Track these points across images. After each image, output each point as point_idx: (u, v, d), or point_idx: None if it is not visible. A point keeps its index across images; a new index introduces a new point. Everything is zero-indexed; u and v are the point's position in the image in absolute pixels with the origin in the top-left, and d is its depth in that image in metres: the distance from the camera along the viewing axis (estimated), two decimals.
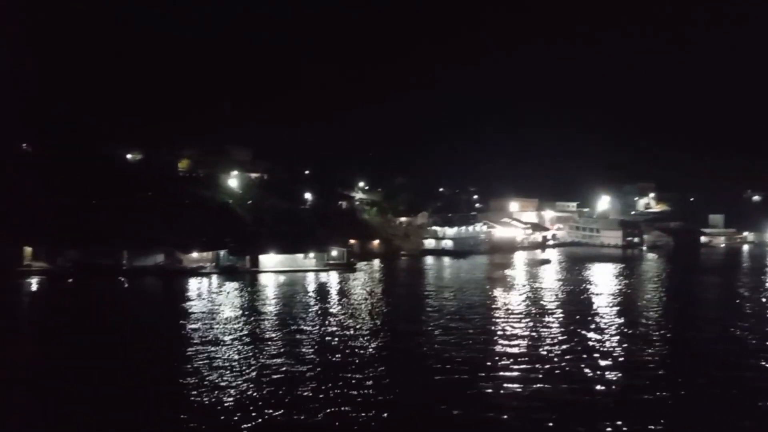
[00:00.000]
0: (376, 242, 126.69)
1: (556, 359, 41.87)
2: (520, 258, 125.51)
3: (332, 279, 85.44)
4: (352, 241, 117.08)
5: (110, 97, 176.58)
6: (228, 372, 37.63)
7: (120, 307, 63.58)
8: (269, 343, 45.52)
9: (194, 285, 77.13)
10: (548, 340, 47.26)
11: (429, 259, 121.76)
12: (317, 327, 51.71)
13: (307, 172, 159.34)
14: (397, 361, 41.36)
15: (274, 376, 36.79)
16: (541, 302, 66.24)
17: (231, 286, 75.34)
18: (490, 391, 35.05)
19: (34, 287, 74.96)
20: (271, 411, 31.23)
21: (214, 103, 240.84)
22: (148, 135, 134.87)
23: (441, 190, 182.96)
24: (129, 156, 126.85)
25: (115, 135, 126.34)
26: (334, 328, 51.04)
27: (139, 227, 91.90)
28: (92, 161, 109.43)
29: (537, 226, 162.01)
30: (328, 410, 31.40)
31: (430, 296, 71.17)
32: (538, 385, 36.10)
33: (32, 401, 32.38)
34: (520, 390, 35.36)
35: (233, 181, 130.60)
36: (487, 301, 66.93)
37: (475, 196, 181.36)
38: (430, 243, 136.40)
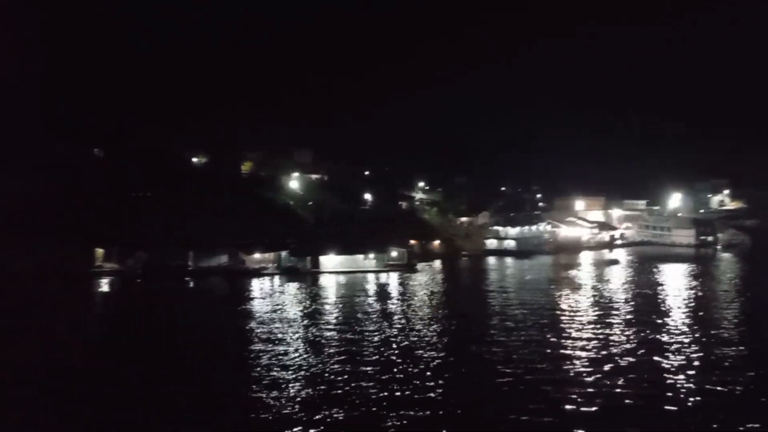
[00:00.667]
0: (437, 243, 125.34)
1: (627, 363, 39.73)
2: (586, 258, 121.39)
3: (393, 280, 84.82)
4: (412, 242, 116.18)
5: (176, 103, 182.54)
6: (290, 371, 37.42)
7: (185, 306, 64.98)
8: (331, 343, 45.19)
9: (257, 285, 78.09)
10: (619, 344, 44.97)
11: (491, 260, 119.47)
12: (378, 328, 51.05)
13: (367, 173, 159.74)
14: (461, 365, 40.13)
15: (336, 377, 36.35)
16: (610, 304, 63.45)
17: (292, 287, 75.87)
18: (558, 395, 33.44)
19: (105, 287, 77.56)
20: (332, 411, 30.75)
21: (273, 105, 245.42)
22: (213, 138, 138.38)
23: (503, 189, 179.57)
24: (195, 159, 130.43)
25: (181, 139, 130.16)
26: (395, 330, 50.25)
27: (205, 229, 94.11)
28: (160, 165, 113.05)
29: (604, 225, 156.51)
30: (392, 413, 30.65)
31: (493, 298, 69.39)
32: (614, 390, 34.21)
33: (100, 395, 33.01)
34: (591, 396, 33.51)
35: (294, 182, 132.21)
36: (552, 303, 64.63)
37: (539, 195, 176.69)
38: (492, 243, 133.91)
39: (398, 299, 67.87)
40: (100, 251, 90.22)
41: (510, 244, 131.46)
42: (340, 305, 62.81)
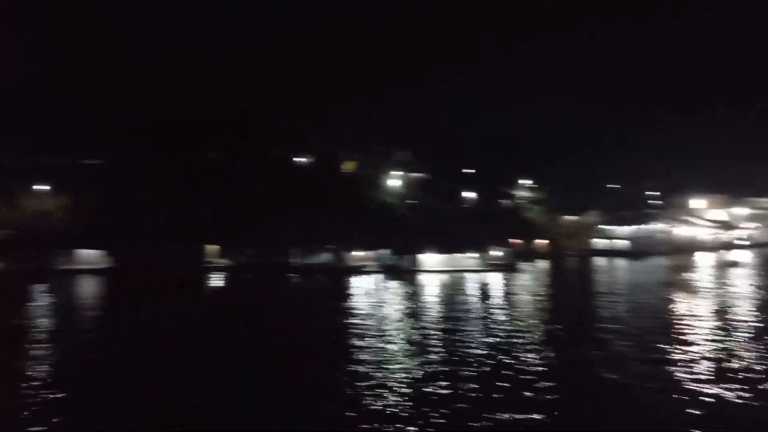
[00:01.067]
0: (541, 242, 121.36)
1: (757, 376, 35.97)
2: (705, 260, 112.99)
3: (494, 280, 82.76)
4: (515, 241, 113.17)
5: (282, 105, 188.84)
6: (395, 370, 37.00)
7: (289, 301, 66.68)
8: (431, 342, 44.36)
9: (357, 283, 78.74)
10: (747, 354, 40.92)
11: (599, 260, 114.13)
12: (480, 328, 49.65)
13: (468, 171, 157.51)
14: (567, 373, 38.02)
15: (439, 376, 35.49)
16: (734, 309, 58.25)
17: (393, 285, 75.86)
18: (679, 409, 30.76)
19: (218, 282, 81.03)
20: (432, 411, 29.99)
21: (375, 105, 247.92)
22: (316, 139, 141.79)
23: (613, 186, 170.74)
24: (300, 159, 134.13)
25: (288, 140, 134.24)
26: (498, 331, 48.63)
27: (309, 227, 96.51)
28: (268, 166, 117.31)
29: (726, 225, 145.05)
30: (492, 417, 29.43)
31: (602, 300, 65.83)
32: (747, 404, 31.07)
33: (212, 382, 34.12)
34: (720, 413, 30.51)
35: (395, 181, 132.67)
36: (668, 308, 60.28)
37: (652, 192, 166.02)
38: (600, 243, 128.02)
39: (501, 300, 66.01)
40: (211, 248, 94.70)
41: (620, 243, 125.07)
42: (441, 304, 61.95)
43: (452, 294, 69.21)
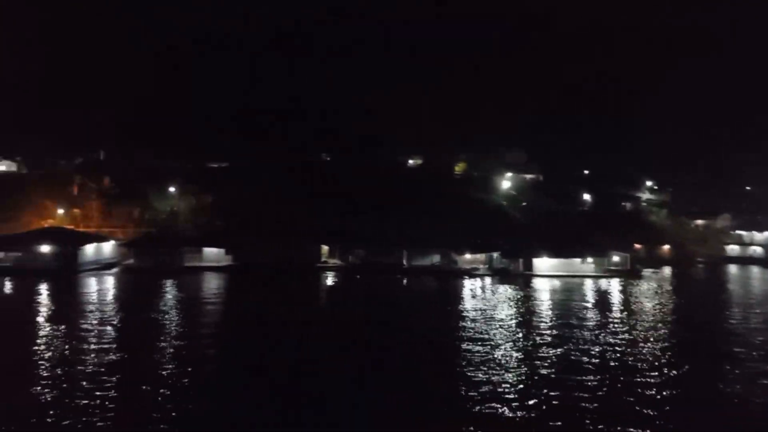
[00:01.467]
0: (666, 247, 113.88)
1: None
2: None
3: (613, 287, 78.41)
4: (636, 246, 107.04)
5: (393, 109, 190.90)
6: (499, 376, 35.98)
7: (399, 301, 67.03)
8: (542, 349, 42.66)
9: (467, 285, 77.60)
10: None
11: (732, 268, 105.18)
12: (596, 338, 47.10)
13: (585, 172, 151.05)
14: (687, 388, 35.13)
15: (548, 386, 34.04)
16: None
17: (503, 289, 74.03)
18: None
19: (330, 281, 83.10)
20: (538, 422, 28.76)
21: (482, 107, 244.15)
22: (428, 140, 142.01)
23: (748, 188, 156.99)
24: (410, 161, 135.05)
25: (399, 142, 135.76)
26: (613, 342, 45.85)
27: (418, 228, 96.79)
28: (379, 168, 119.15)
29: None
30: None
31: (733, 314, 60.38)
32: None
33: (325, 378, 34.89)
34: None
35: (507, 182, 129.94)
36: None
37: None
38: (733, 249, 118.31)
39: (620, 308, 62.31)
40: (325, 248, 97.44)
41: (756, 251, 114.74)
42: (554, 310, 59.46)
43: (566, 299, 66.24)
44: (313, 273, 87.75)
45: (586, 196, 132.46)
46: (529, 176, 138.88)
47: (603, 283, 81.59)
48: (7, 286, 71.61)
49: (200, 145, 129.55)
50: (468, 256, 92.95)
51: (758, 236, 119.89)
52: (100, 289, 68.98)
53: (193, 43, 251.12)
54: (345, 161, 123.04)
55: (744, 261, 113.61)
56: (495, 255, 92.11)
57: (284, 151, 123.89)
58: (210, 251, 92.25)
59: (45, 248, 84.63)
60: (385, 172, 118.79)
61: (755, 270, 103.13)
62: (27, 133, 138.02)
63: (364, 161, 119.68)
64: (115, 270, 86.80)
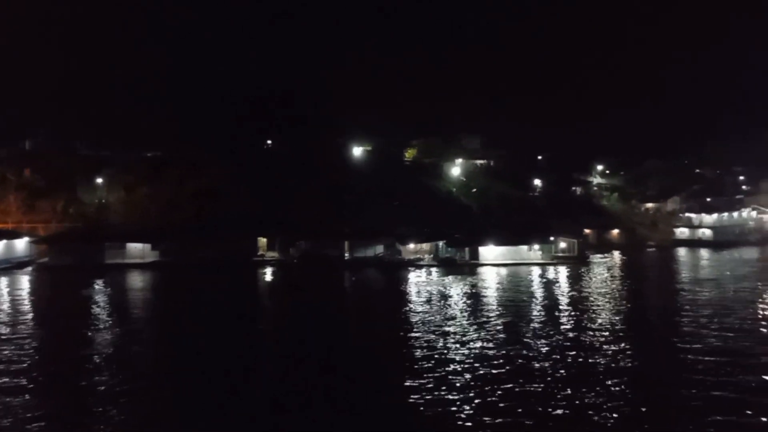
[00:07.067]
0: (616, 232, 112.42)
1: None
2: None
3: (560, 274, 75.51)
4: (587, 231, 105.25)
5: (341, 92, 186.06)
6: (447, 372, 31.96)
7: (343, 295, 63.05)
8: (490, 344, 38.70)
9: (412, 277, 73.64)
10: None
11: (681, 251, 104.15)
12: (541, 330, 43.37)
13: (539, 157, 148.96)
14: (645, 385, 31.62)
15: (498, 384, 30.12)
16: None
17: (449, 279, 70.30)
18: None
19: (268, 276, 77.86)
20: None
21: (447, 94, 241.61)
22: (377, 126, 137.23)
23: (698, 171, 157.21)
24: (358, 147, 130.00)
25: (345, 127, 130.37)
26: (558, 334, 42.24)
27: (363, 218, 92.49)
28: (323, 155, 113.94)
29: None
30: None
31: (684, 297, 57.80)
32: None
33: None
34: None
35: (459, 169, 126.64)
36: (761, 305, 51.99)
37: (742, 177, 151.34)
38: (683, 232, 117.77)
39: (564, 296, 59.17)
40: (263, 240, 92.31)
41: (705, 233, 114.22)
42: (499, 301, 55.88)
43: (511, 289, 62.80)
44: (247, 268, 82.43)
45: (538, 182, 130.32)
46: (480, 162, 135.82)
47: (550, 270, 78.73)
48: None
49: (139, 133, 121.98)
50: (412, 246, 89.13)
51: (707, 218, 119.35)
52: None
53: (143, 27, 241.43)
54: (287, 147, 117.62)
55: (693, 244, 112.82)
56: (441, 244, 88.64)
57: (225, 138, 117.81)
58: (134, 247, 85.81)
59: None
60: (331, 158, 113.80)
61: (704, 252, 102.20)
62: None
63: (307, 147, 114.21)
64: (28, 269, 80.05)
